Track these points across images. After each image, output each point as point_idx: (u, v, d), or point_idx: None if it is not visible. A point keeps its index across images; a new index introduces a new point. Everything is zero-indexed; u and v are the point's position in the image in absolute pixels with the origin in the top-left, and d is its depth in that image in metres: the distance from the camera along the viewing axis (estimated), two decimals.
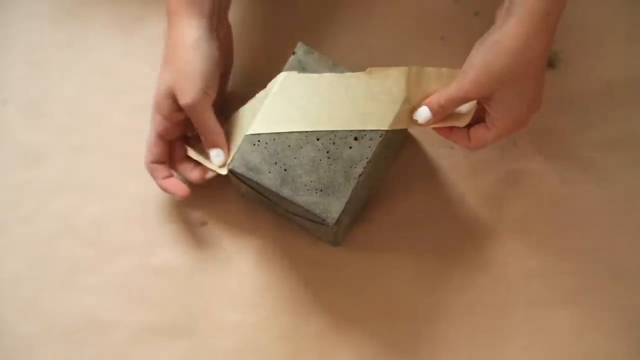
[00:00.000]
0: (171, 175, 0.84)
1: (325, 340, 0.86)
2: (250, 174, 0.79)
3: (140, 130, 0.90)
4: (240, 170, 0.79)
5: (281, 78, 0.80)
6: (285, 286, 0.87)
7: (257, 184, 0.79)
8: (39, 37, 0.93)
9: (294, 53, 0.81)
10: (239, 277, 0.87)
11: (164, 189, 0.84)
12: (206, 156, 0.82)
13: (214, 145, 0.81)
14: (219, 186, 0.89)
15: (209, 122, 0.80)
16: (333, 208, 0.78)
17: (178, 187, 0.84)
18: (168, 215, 0.89)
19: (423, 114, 0.78)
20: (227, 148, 0.81)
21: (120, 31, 0.93)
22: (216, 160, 0.81)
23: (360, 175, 0.78)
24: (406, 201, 0.88)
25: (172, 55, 0.80)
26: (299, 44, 0.81)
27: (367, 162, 0.78)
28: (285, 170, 0.79)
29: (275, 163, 0.79)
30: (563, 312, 0.85)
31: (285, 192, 0.78)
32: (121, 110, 0.91)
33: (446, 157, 0.89)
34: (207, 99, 0.80)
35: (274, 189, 0.78)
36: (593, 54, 0.91)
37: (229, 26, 0.84)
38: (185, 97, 0.79)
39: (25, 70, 0.92)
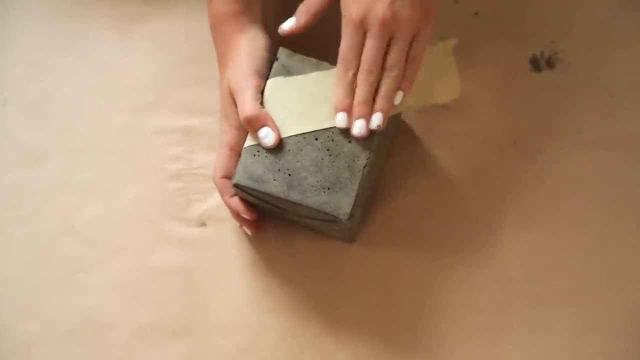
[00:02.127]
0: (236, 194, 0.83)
1: (325, 340, 0.85)
2: (255, 185, 0.79)
3: (140, 130, 0.91)
4: (245, 183, 0.79)
5: (269, 86, 0.81)
6: (285, 286, 0.87)
7: (264, 193, 0.79)
8: (39, 37, 0.93)
9: (276, 59, 0.81)
10: (238, 277, 0.87)
11: (233, 208, 0.83)
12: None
13: (261, 125, 0.79)
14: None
15: (251, 101, 0.79)
16: (344, 204, 0.78)
17: (247, 208, 0.83)
18: (168, 215, 0.89)
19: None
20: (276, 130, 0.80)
21: (120, 31, 0.93)
22: (266, 141, 0.79)
23: (364, 167, 0.78)
24: (405, 201, 0.88)
25: (228, 61, 0.82)
26: (280, 49, 0.81)
27: (369, 153, 0.79)
28: (289, 175, 0.79)
29: (279, 170, 0.79)
30: (563, 312, 0.85)
31: (294, 196, 0.78)
32: (121, 110, 0.91)
33: (446, 156, 0.89)
34: (253, 79, 0.80)
35: (282, 196, 0.78)
36: (593, 54, 0.91)
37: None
38: (233, 79, 0.80)
39: (25, 70, 0.92)
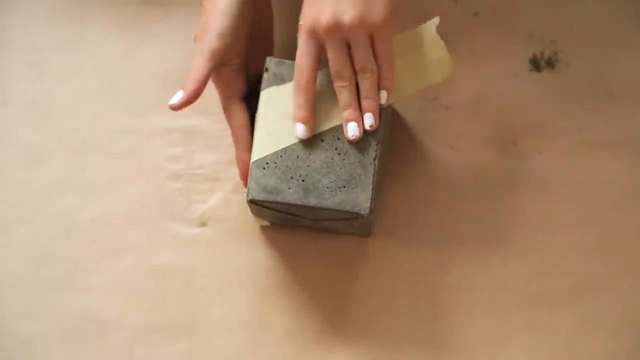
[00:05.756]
0: None
1: (325, 340, 0.86)
2: (271, 197, 0.78)
3: (140, 130, 0.91)
4: (260, 197, 0.79)
5: (264, 97, 0.80)
6: (285, 286, 0.87)
7: (282, 204, 0.78)
8: (39, 38, 0.93)
9: (266, 70, 0.81)
10: (239, 277, 0.87)
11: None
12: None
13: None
14: (219, 186, 0.89)
15: (197, 67, 0.79)
16: (362, 199, 0.78)
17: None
18: (168, 215, 0.89)
19: None
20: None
21: (120, 31, 0.93)
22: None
23: (375, 159, 0.78)
24: (404, 201, 0.88)
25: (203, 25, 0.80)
26: (268, 59, 0.81)
27: (377, 144, 0.79)
28: (303, 180, 0.78)
29: (292, 177, 0.79)
30: (563, 312, 0.85)
31: (312, 201, 0.78)
32: (121, 110, 0.91)
33: (446, 157, 0.89)
34: (213, 42, 0.79)
35: (299, 203, 0.78)
36: (593, 54, 0.91)
37: (270, 11, 0.85)
38: (197, 34, 0.79)
39: (26, 71, 0.93)
